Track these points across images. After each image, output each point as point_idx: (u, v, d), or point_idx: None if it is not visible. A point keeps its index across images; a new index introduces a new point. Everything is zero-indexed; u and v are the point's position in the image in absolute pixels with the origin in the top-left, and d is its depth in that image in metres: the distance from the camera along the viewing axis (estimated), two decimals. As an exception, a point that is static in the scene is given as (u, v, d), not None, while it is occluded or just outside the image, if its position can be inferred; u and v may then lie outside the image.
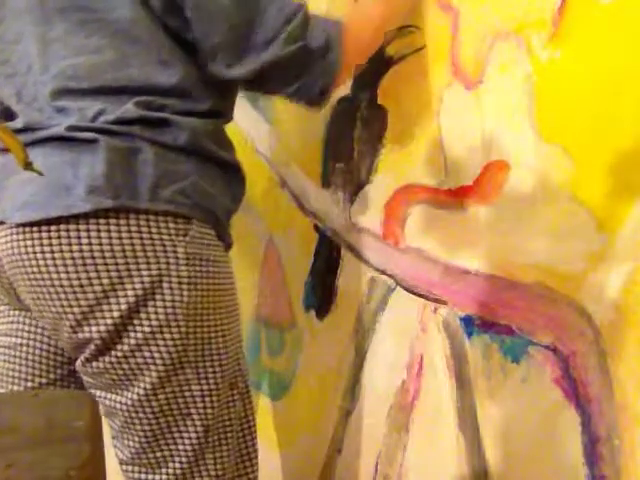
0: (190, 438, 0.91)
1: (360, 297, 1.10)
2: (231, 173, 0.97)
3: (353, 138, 1.10)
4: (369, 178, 1.08)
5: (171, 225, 0.87)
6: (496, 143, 0.87)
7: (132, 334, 0.86)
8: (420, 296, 0.99)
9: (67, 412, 0.50)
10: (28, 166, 0.62)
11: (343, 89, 1.10)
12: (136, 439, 0.91)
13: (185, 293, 0.87)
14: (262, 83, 0.92)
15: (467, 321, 0.92)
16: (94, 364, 0.88)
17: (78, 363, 0.90)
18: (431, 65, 0.96)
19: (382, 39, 0.98)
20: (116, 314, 0.85)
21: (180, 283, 0.87)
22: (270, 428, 1.35)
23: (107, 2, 0.86)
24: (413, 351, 1.00)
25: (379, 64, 1.04)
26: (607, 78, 0.75)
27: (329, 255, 1.17)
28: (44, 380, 0.95)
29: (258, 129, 1.33)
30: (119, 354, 0.87)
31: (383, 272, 1.06)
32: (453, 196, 0.93)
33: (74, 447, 0.46)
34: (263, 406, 1.36)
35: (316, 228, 1.20)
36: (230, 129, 0.99)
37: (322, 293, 1.19)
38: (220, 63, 0.89)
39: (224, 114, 0.98)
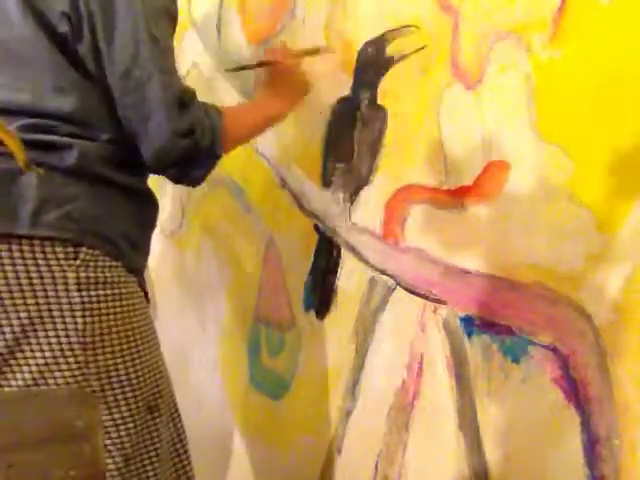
0: (109, 470, 0.88)
1: (360, 297, 1.10)
2: (136, 198, 0.94)
3: (353, 138, 1.10)
4: (369, 178, 1.08)
5: (58, 250, 0.83)
6: (496, 143, 0.87)
7: (25, 367, 0.82)
8: (420, 296, 0.99)
9: (67, 412, 0.50)
10: (28, 167, 0.62)
11: (343, 89, 1.10)
12: None
13: (79, 320, 0.83)
14: (152, 166, 0.92)
15: (467, 321, 0.91)
16: None
17: None
18: (431, 65, 0.96)
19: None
20: (1, 344, 0.81)
21: (72, 310, 0.83)
22: (270, 428, 1.35)
23: (5, 22, 0.85)
24: (413, 351, 1.00)
25: (379, 64, 1.04)
26: (607, 78, 0.75)
27: (329, 255, 1.17)
28: None
29: (258, 129, 1.32)
30: (14, 389, 0.83)
31: (383, 272, 1.05)
32: (453, 196, 0.93)
33: (74, 447, 0.46)
34: (263, 406, 1.36)
35: (316, 228, 1.20)
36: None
37: (322, 293, 1.19)
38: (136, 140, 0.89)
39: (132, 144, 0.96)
